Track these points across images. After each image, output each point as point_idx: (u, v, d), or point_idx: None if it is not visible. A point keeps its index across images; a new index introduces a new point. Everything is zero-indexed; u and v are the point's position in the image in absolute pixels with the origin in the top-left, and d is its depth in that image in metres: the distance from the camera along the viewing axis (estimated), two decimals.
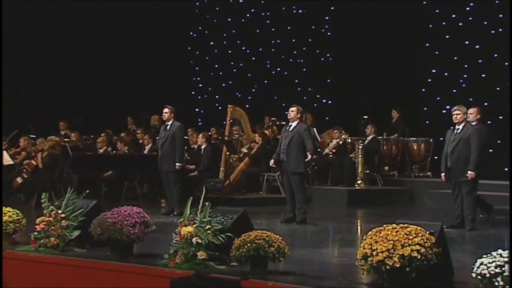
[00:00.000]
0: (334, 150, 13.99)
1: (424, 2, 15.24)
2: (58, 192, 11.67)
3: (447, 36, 15.05)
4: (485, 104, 13.82)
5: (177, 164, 11.03)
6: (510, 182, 9.46)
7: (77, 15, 17.09)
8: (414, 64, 15.09)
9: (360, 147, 13.38)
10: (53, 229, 7.24)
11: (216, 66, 18.72)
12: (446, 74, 15.07)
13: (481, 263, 5.05)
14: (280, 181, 12.67)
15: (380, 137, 14.43)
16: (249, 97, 17.85)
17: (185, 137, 12.75)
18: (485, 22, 14.38)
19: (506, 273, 4.91)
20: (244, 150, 14.15)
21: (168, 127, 11.18)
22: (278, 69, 17.77)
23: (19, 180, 12.68)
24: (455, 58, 14.92)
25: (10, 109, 13.74)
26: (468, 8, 14.73)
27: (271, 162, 10.58)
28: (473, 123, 9.84)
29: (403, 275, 5.26)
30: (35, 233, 7.36)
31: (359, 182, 13.33)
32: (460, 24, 14.89)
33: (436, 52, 15.16)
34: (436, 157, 13.62)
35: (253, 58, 18.17)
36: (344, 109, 15.86)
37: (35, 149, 13.03)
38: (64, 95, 16.97)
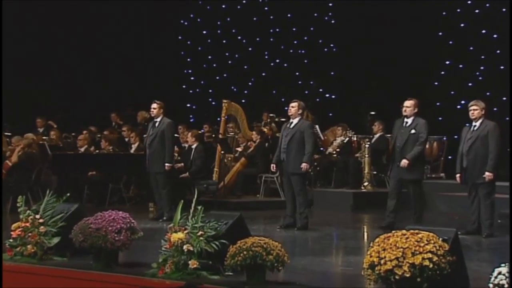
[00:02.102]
0: (338, 149, 13.99)
1: None
2: (36, 195, 11.66)
3: (462, 24, 15.04)
4: (504, 98, 13.85)
5: (166, 164, 11.03)
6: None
7: (58, 7, 17.03)
8: (426, 55, 15.08)
9: (367, 145, 13.38)
10: (30, 236, 7.23)
11: (210, 57, 18.71)
12: (460, 66, 15.07)
13: (499, 273, 5.04)
14: (279, 183, 12.67)
15: (389, 135, 14.39)
16: (246, 92, 17.84)
17: (176, 135, 12.76)
18: (504, 9, 14.37)
19: None
20: (240, 149, 14.15)
21: (156, 124, 11.18)
22: (277, 60, 17.76)
23: None
24: (471, 48, 14.92)
25: None
26: None
27: (272, 167, 10.57)
28: (411, 118, 9.91)
29: (413, 286, 5.26)
30: (11, 240, 7.34)
31: (365, 184, 13.33)
32: (477, 11, 14.89)
33: (450, 42, 15.16)
34: (450, 157, 13.61)
35: (250, 49, 18.17)
36: (349, 104, 15.86)
37: (11, 149, 13.00)
38: (42, 89, 16.95)
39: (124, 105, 16.83)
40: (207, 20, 18.72)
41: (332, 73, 16.79)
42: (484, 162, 9.46)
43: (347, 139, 13.85)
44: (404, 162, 9.81)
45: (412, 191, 10.05)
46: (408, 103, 10.03)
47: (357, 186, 13.32)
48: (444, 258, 5.33)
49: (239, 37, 18.35)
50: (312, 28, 17.16)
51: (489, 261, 7.51)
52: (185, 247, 6.28)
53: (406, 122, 10.03)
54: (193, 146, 13.22)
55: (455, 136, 10.98)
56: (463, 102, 13.18)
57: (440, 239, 5.47)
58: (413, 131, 9.92)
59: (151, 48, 18.26)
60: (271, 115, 15.28)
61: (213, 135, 14.60)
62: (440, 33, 15.26)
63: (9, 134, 14.09)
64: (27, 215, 7.33)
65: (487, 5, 14.72)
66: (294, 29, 17.44)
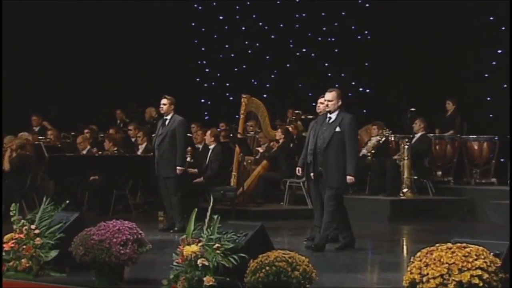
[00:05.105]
0: (373, 151, 13.95)
1: None
2: (31, 203, 11.73)
3: None
4: None
5: (178, 167, 11.05)
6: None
7: None
8: (474, 43, 15.00)
9: (406, 146, 13.34)
10: (24, 249, 7.27)
11: (227, 46, 18.74)
12: None
13: None
14: (306, 189, 12.65)
15: (432, 135, 14.39)
16: (268, 85, 17.86)
17: (188, 134, 12.79)
18: None
19: None
20: (261, 150, 14.16)
21: (166, 122, 11.21)
22: (304, 50, 17.76)
23: None
24: None
25: None
26: None
27: (297, 170, 10.32)
28: (335, 113, 9.25)
29: None
30: (3, 253, 7.38)
31: (404, 190, 13.29)
32: None
33: (503, 28, 15.06)
34: (502, 159, 13.56)
35: (272, 37, 18.17)
36: (386, 99, 15.82)
37: (4, 150, 13.10)
38: (38, 83, 17.04)
39: (130, 101, 16.89)
40: (224, 4, 18.74)
41: (366, 64, 16.75)
42: None
43: (383, 139, 13.81)
44: (350, 179, 9.28)
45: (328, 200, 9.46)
46: (330, 95, 9.23)
47: (395, 193, 13.28)
48: (496, 276, 5.31)
49: (260, 23, 18.36)
50: (343, 13, 17.12)
51: None
52: (199, 261, 6.29)
53: (330, 118, 9.32)
54: (211, 147, 13.24)
55: (508, 136, 10.92)
56: None
57: (491, 253, 5.44)
58: (338, 129, 9.23)
59: (161, 36, 18.30)
60: (296, 111, 15.27)
61: (231, 135, 14.62)
62: (491, 18, 15.15)
63: None
64: (21, 225, 7.37)
65: None
66: (323, 14, 17.42)
